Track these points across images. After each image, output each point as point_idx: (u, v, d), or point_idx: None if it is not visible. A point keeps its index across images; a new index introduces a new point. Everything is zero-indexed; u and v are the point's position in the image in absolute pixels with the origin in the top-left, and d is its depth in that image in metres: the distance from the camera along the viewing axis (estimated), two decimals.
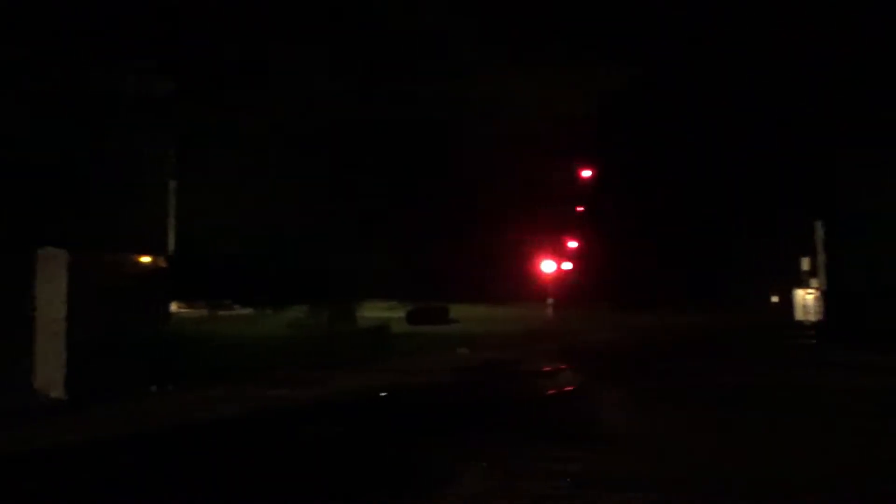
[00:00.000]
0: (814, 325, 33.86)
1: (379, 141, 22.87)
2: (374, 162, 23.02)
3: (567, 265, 32.73)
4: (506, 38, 23.37)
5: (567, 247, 32.77)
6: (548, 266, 31.76)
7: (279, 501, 7.65)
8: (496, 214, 27.71)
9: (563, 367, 18.30)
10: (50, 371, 12.43)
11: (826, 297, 34.60)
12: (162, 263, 15.00)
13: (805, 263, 38.55)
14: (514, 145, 25.36)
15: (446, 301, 32.14)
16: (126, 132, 13.93)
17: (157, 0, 16.04)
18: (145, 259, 14.57)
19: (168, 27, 16.20)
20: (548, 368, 18.07)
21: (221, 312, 31.01)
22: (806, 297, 39.91)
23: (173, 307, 21.58)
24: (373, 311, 28.79)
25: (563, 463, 8.85)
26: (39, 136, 12.88)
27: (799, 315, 40.02)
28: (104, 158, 13.40)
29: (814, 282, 37.91)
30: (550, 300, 32.19)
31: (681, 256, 36.01)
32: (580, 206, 32.09)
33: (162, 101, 14.77)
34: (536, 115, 24.35)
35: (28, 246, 12.87)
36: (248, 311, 30.50)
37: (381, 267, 24.73)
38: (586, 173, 32.08)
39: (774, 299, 45.05)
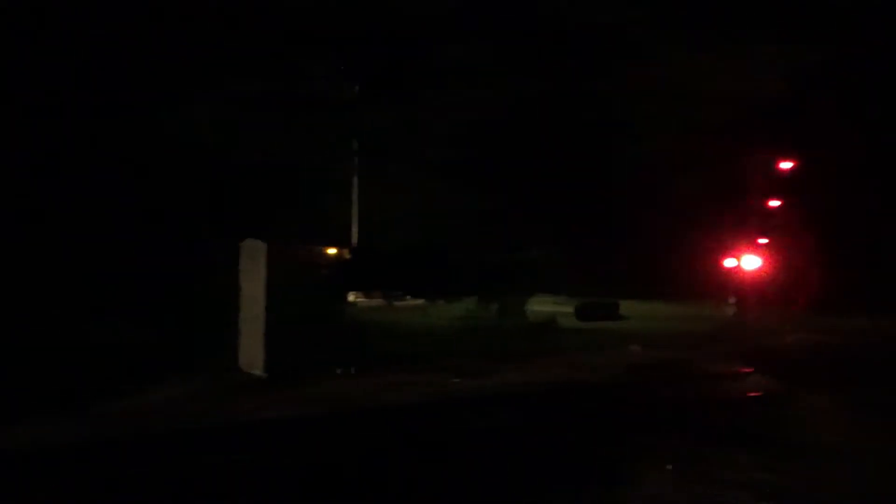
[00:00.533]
0: None
1: (555, 135, 22.69)
2: (549, 157, 22.87)
3: (754, 262, 30.36)
4: (687, 21, 22.05)
5: (756, 243, 30.39)
6: (731, 263, 29.70)
7: (460, 492, 7.86)
8: (676, 208, 26.30)
9: (747, 370, 17.10)
10: (252, 352, 13.70)
11: None
12: (346, 255, 16.00)
13: None
14: (701, 135, 23.88)
15: (617, 297, 31.21)
16: (316, 133, 14.99)
17: (340, 8, 16.95)
18: (332, 250, 15.62)
19: (351, 34, 17.12)
20: (730, 371, 16.97)
21: (396, 303, 32.52)
22: None
23: (352, 297, 22.97)
24: (541, 305, 28.66)
25: (752, 472, 8.32)
26: (243, 139, 14.21)
27: None
28: (298, 158, 14.51)
29: None
30: (733, 298, 30.07)
31: (892, 255, 31.97)
32: (775, 199, 29.53)
33: (348, 103, 15.75)
34: (727, 102, 22.74)
35: (233, 237, 14.29)
36: (420, 301, 31.69)
37: (552, 262, 24.54)
38: (786, 164, 29.46)
39: None
